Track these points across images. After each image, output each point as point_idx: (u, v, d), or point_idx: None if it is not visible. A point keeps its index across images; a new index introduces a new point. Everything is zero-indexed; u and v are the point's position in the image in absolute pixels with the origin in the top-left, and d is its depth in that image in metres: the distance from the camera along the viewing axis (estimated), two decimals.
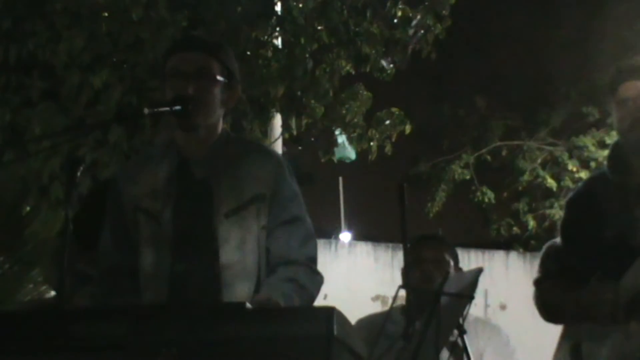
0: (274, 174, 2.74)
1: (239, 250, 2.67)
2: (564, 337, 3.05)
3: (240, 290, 2.63)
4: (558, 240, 3.14)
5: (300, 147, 6.85)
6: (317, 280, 2.73)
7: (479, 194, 14.19)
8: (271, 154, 2.87)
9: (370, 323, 3.61)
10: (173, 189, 2.72)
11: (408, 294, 3.65)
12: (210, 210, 2.68)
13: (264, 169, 2.74)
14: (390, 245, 10.12)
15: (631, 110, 2.93)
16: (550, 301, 3.09)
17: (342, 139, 7.76)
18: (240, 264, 2.67)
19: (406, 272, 3.78)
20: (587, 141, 13.54)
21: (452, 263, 3.75)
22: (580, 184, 3.33)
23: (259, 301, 2.39)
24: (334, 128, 7.35)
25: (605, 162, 3.13)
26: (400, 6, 7.24)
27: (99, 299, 2.81)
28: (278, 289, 2.54)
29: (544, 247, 3.22)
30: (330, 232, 13.28)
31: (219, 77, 2.72)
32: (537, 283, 3.14)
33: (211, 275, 2.65)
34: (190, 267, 2.66)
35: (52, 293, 3.73)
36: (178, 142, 2.77)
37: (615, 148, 3.10)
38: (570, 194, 3.25)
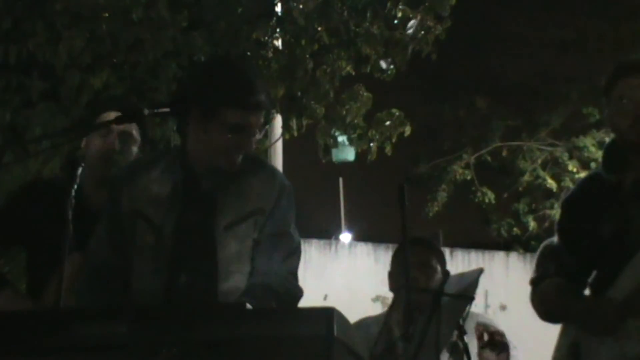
0: (276, 192, 2.75)
1: (236, 262, 2.68)
2: (562, 335, 3.05)
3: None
4: (554, 239, 3.14)
5: None
6: (294, 292, 2.73)
7: (479, 194, 14.20)
8: (276, 174, 2.88)
9: (368, 325, 3.61)
10: (178, 200, 2.72)
11: (396, 297, 3.65)
12: (212, 222, 2.69)
13: (267, 187, 2.76)
14: (391, 245, 10.11)
15: (630, 108, 2.90)
16: (546, 302, 3.09)
17: (342, 139, 7.76)
18: (237, 276, 2.67)
19: (392, 275, 3.79)
20: (588, 142, 13.55)
21: (439, 268, 3.72)
22: (575, 184, 3.33)
23: None
24: (334, 129, 7.35)
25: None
26: (400, 7, 7.23)
27: (84, 296, 2.80)
28: (254, 298, 2.54)
29: (541, 247, 3.22)
30: (330, 233, 13.31)
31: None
32: (534, 283, 3.14)
33: (209, 287, 2.65)
34: (189, 278, 2.66)
35: None
36: (190, 152, 2.76)
37: (610, 147, 3.09)
38: (565, 194, 3.24)
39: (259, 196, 2.73)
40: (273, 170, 2.93)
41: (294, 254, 2.78)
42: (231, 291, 2.65)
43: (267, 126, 7.83)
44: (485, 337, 3.40)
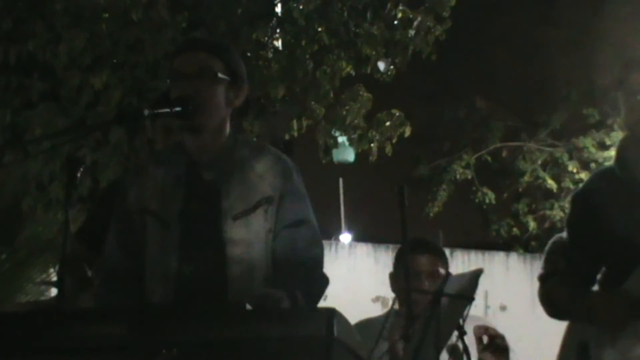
0: (282, 176, 2.73)
1: (246, 253, 2.66)
2: (569, 334, 3.03)
3: (247, 294, 2.62)
4: (564, 235, 3.12)
5: None
6: (322, 283, 2.74)
7: (479, 194, 14.20)
8: (280, 156, 2.84)
9: (369, 326, 3.61)
10: (181, 191, 2.71)
11: (401, 299, 3.63)
12: (218, 212, 2.67)
13: (272, 172, 2.73)
14: (391, 246, 10.12)
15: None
16: (555, 299, 3.07)
17: (342, 139, 7.77)
18: (248, 267, 2.66)
19: (395, 278, 3.78)
20: (587, 142, 13.55)
21: (443, 272, 3.72)
22: (586, 180, 3.30)
23: (263, 294, 2.40)
24: (334, 130, 7.36)
25: (605, 163, 3.11)
26: (400, 7, 7.24)
27: (102, 300, 2.80)
28: (283, 289, 2.54)
29: (550, 242, 3.20)
30: (330, 233, 13.28)
31: (220, 76, 2.71)
32: (542, 279, 3.12)
33: (218, 278, 2.64)
34: (197, 269, 2.65)
35: (53, 292, 3.75)
36: (186, 144, 2.77)
37: (623, 143, 3.08)
38: (576, 190, 3.23)
39: (265, 184, 2.71)
40: (276, 154, 2.88)
41: (316, 241, 2.77)
42: (241, 283, 2.63)
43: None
44: (485, 339, 3.39)
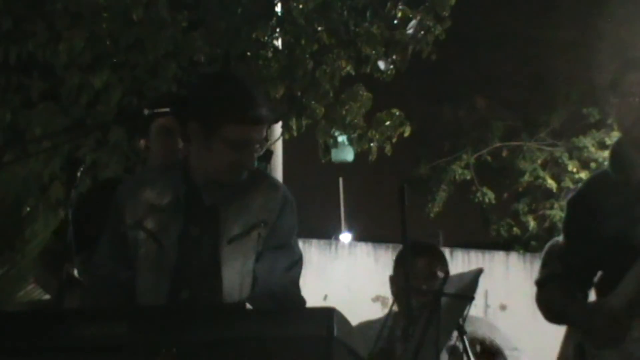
0: (278, 206, 2.76)
1: (239, 274, 2.69)
2: (568, 336, 3.04)
3: None
4: (560, 239, 3.12)
5: None
6: (296, 301, 2.75)
7: (479, 194, 14.21)
8: (279, 187, 2.87)
9: (369, 326, 3.61)
10: (181, 215, 2.73)
11: (400, 300, 3.64)
12: (216, 236, 2.70)
13: (270, 200, 2.76)
14: (391, 245, 10.12)
15: (635, 104, 2.90)
16: (552, 305, 3.08)
17: (342, 139, 7.76)
18: (240, 288, 2.69)
19: (395, 280, 3.78)
20: (587, 142, 13.56)
21: (442, 274, 3.72)
22: (581, 183, 3.32)
23: None
24: (334, 129, 7.35)
25: (606, 162, 3.11)
26: (400, 7, 7.23)
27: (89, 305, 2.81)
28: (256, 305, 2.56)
29: (546, 246, 3.21)
30: (330, 233, 13.30)
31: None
32: (539, 284, 3.13)
33: (214, 298, 2.66)
34: (192, 294, 2.67)
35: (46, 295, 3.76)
36: (192, 167, 2.76)
37: (617, 146, 3.09)
38: (571, 194, 3.24)
39: (262, 209, 2.74)
40: (276, 183, 2.92)
41: (296, 265, 2.80)
42: (233, 298, 2.66)
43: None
44: (478, 348, 3.38)
